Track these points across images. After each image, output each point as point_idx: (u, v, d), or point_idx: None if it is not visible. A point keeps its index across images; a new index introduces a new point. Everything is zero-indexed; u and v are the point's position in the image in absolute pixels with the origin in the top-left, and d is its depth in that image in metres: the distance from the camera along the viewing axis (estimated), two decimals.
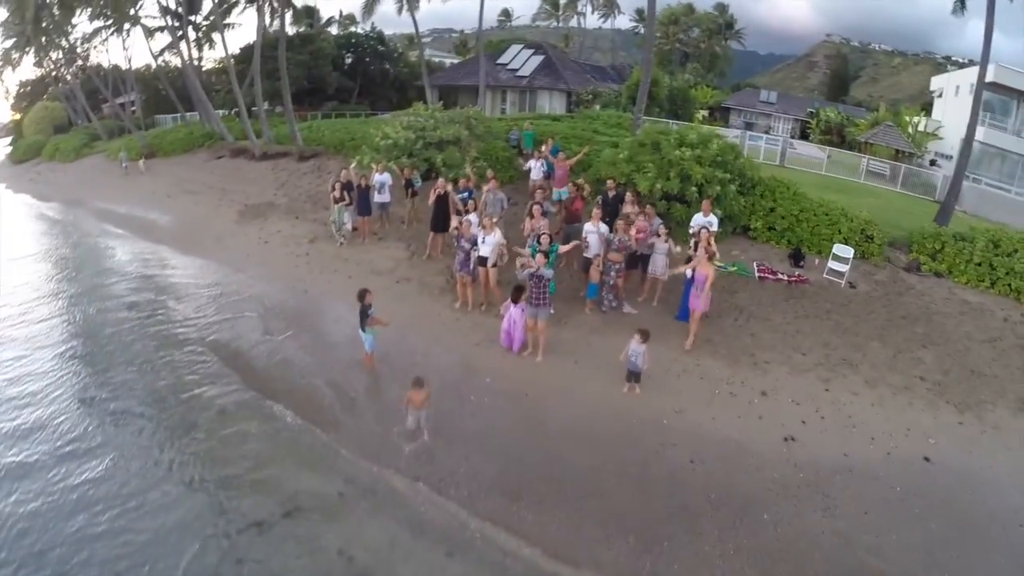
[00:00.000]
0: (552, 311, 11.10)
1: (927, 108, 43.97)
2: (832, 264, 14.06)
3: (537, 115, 30.74)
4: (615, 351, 10.26)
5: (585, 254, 12.41)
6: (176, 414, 9.97)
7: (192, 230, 19.76)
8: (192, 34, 42.18)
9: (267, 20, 32.80)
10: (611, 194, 14.00)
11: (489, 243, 11.99)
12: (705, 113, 45.39)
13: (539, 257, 10.39)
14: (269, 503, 7.86)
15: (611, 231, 12.21)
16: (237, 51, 43.38)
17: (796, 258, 14.76)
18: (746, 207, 15.22)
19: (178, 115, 44.24)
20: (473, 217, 12.90)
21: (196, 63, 43.94)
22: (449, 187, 14.60)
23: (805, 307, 12.90)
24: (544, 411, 9.72)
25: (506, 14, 79.31)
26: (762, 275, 14.02)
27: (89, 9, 37.13)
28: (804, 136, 45.05)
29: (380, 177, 16.25)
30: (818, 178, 23.34)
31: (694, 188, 13.92)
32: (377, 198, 16.39)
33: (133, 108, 46.93)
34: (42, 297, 15.61)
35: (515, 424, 9.44)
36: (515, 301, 10.71)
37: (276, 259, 16.22)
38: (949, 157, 32.29)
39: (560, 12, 61.18)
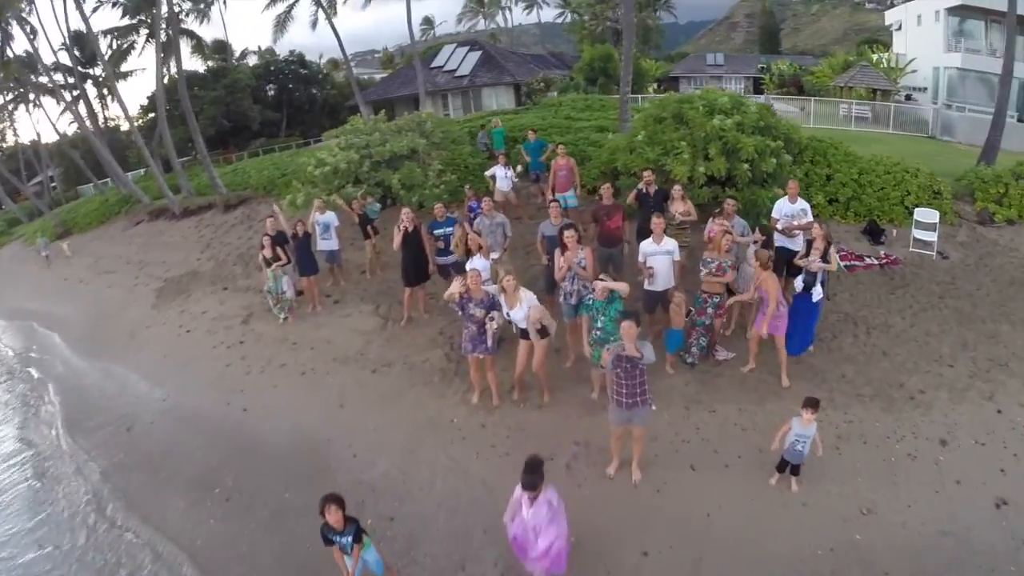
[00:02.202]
0: (655, 406, 6.74)
1: (864, 45, 44.35)
2: (917, 233, 11.48)
3: (491, 113, 27.14)
4: (735, 430, 6.95)
5: (649, 287, 8.41)
6: None
7: (102, 323, 15.48)
8: (94, 90, 38.05)
9: (163, 56, 28.50)
10: (651, 190, 9.75)
11: (520, 314, 7.44)
12: (655, 85, 43.41)
13: (627, 327, 5.94)
14: None
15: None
16: (145, 101, 39.29)
17: (874, 234, 11.86)
18: (802, 179, 11.88)
19: (98, 183, 39.48)
20: (480, 263, 8.63)
21: (104, 122, 39.88)
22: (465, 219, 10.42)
23: (915, 297, 10.14)
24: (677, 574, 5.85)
25: (428, 22, 75.09)
26: (848, 263, 10.91)
27: None
28: (758, 92, 43.05)
29: (321, 218, 12.15)
30: (812, 132, 20.38)
31: (745, 165, 10.32)
32: (322, 245, 12.19)
33: (53, 184, 42.34)
34: None
35: None
36: (527, 491, 5.18)
37: (202, 356, 11.75)
38: (923, 90, 32.24)
39: (486, 7, 57.75)
